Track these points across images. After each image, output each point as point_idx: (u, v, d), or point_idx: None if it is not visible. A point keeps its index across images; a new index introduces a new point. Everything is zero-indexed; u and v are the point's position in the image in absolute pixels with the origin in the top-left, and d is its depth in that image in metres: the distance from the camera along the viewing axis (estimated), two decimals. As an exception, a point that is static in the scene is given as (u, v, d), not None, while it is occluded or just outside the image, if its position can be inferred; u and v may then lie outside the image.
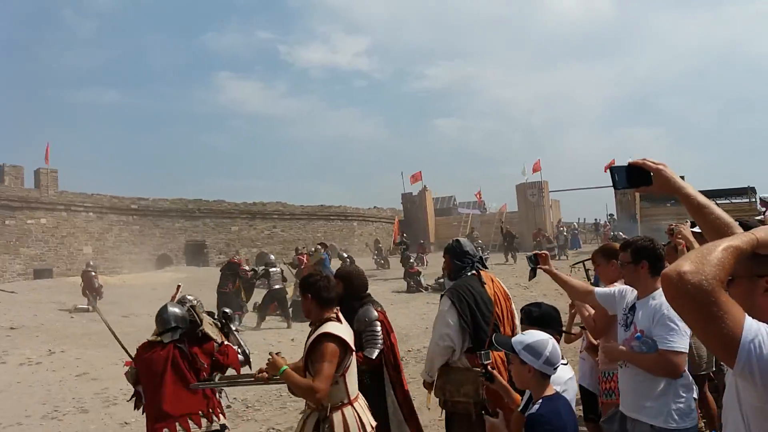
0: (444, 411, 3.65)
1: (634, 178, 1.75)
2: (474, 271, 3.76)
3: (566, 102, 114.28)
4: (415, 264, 19.07)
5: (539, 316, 2.71)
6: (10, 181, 25.03)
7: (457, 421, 3.48)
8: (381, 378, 3.66)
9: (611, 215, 34.06)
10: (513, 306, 3.83)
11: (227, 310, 4.24)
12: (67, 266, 25.30)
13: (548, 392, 2.35)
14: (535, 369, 2.31)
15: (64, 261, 25.59)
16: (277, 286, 13.24)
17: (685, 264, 1.17)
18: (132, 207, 28.43)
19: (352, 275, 3.90)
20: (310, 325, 3.11)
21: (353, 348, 3.02)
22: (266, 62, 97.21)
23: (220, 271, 14.29)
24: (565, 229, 27.99)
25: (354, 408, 2.98)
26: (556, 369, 2.37)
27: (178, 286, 4.46)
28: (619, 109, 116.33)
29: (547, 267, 3.45)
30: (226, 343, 3.92)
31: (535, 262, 3.42)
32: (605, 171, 32.77)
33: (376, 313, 3.69)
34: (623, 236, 22.33)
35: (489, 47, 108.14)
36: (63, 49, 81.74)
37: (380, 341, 3.62)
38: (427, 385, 3.70)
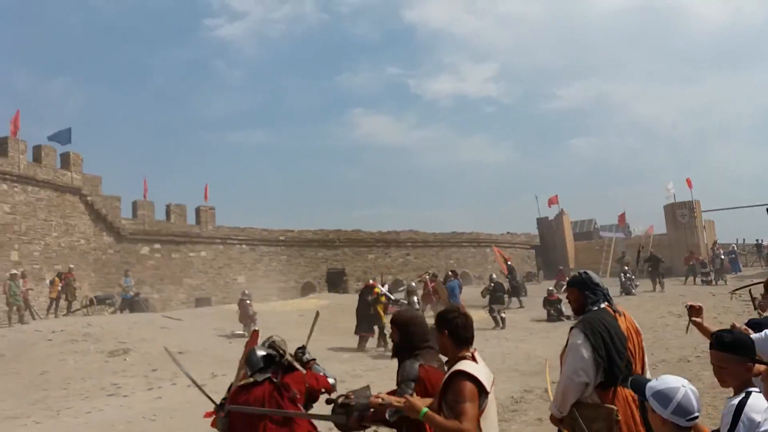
0: None
1: None
2: (606, 303, 3.59)
3: (715, 113, 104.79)
4: (555, 291, 18.44)
5: (731, 342, 2.55)
6: (175, 219, 27.99)
7: None
8: None
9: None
10: (643, 342, 3.68)
11: (303, 345, 4.27)
12: (224, 295, 27.57)
13: None
14: (664, 418, 2.19)
15: (221, 290, 27.94)
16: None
17: None
18: (280, 239, 30.50)
19: (409, 323, 3.46)
20: (446, 363, 3.02)
21: (488, 390, 2.84)
22: (397, 96, 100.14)
23: (359, 294, 14.94)
24: (722, 252, 25.58)
25: None
26: (691, 420, 2.19)
27: (255, 332, 4.61)
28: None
29: (698, 320, 3.30)
30: (311, 371, 4.00)
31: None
32: None
33: (416, 371, 3.20)
34: None
35: (626, 62, 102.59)
36: (215, 97, 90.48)
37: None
38: (555, 421, 3.56)
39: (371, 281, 16.38)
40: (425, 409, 2.74)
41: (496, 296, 17.43)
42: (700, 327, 3.28)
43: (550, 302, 17.64)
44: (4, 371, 11.64)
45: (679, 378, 2.31)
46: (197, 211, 28.82)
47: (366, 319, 14.33)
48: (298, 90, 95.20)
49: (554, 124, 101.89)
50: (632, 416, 3.33)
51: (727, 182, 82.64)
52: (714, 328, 3.26)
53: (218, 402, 4.06)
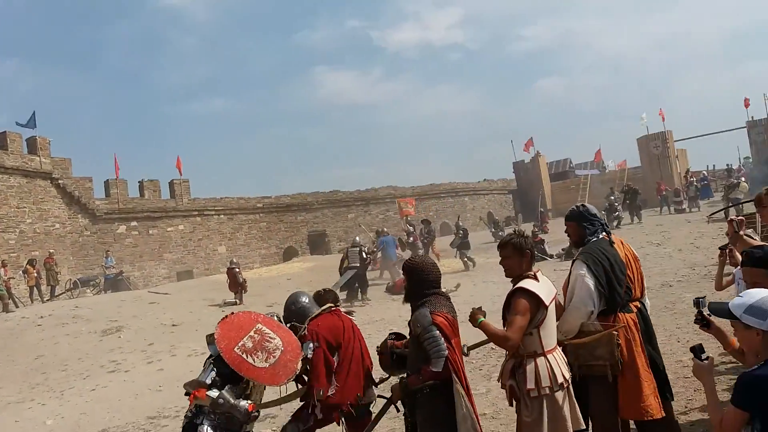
0: (578, 375, 3.51)
1: None
2: (604, 233, 3.69)
3: (681, 42, 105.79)
4: (539, 233, 18.67)
5: (762, 257, 2.54)
6: (150, 195, 27.52)
7: (594, 384, 3.46)
8: (446, 389, 3.26)
9: (747, 158, 31.51)
10: (641, 268, 3.78)
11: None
12: (205, 266, 27.51)
13: None
14: (763, 331, 2.10)
15: (203, 262, 27.83)
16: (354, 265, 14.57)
17: None
18: (258, 206, 30.29)
19: (416, 269, 3.48)
20: (511, 281, 3.31)
21: (547, 304, 3.16)
22: (359, 50, 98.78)
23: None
24: (695, 179, 26.13)
25: (547, 359, 3.14)
26: None
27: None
28: (744, 41, 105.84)
29: (741, 234, 3.50)
30: None
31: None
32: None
33: (429, 318, 3.25)
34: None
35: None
36: (172, 68, 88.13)
37: (443, 348, 3.20)
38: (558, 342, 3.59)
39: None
40: (482, 318, 3.17)
41: (463, 242, 18.05)
42: (742, 240, 3.39)
43: (533, 243, 17.88)
44: (-1, 360, 11.54)
45: (763, 290, 2.22)
46: (171, 185, 28.36)
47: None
48: (255, 52, 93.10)
49: (521, 66, 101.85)
50: (633, 340, 3.45)
51: (696, 110, 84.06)
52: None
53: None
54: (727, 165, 33.20)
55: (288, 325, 3.99)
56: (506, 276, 3.36)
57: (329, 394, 3.75)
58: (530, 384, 3.08)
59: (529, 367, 3.11)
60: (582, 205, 3.88)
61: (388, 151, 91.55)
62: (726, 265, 4.18)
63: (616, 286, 3.47)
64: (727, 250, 3.93)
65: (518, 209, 35.70)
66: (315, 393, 3.75)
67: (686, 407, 4.78)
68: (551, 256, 17.30)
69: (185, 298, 16.76)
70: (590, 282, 3.41)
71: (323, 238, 31.41)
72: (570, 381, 3.20)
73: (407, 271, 3.49)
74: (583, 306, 3.43)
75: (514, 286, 3.22)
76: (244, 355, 3.61)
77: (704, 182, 26.70)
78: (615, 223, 21.17)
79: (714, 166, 35.28)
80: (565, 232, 3.91)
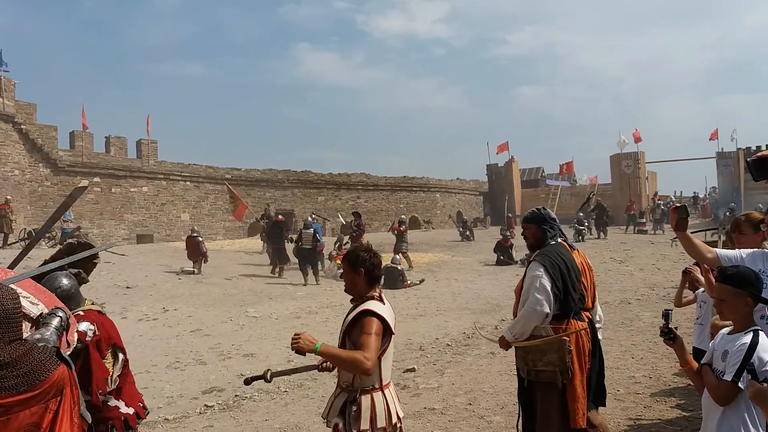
0: (525, 380, 3.53)
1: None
2: (562, 238, 3.69)
3: (660, 68, 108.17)
4: (509, 237, 18.68)
5: (732, 275, 2.50)
6: (116, 152, 26.64)
7: (542, 390, 3.42)
8: None
9: (714, 188, 32.35)
10: (594, 278, 3.77)
11: None
12: (167, 232, 26.89)
13: None
14: None
15: (164, 227, 27.19)
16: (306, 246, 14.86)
17: None
18: (226, 177, 29.66)
19: None
20: (351, 301, 2.95)
21: (393, 331, 2.83)
22: (343, 32, 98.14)
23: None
24: (662, 203, 26.65)
25: (384, 395, 2.80)
26: None
27: None
28: (719, 76, 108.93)
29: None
30: None
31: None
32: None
33: None
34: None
35: (577, 11, 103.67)
36: (148, 25, 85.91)
37: None
38: (505, 345, 3.59)
39: (279, 217, 17.38)
40: (320, 343, 2.66)
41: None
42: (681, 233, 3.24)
43: (502, 248, 17.90)
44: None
45: None
46: (138, 144, 27.51)
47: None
48: (238, 21, 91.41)
49: (503, 70, 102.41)
50: (583, 347, 3.43)
51: (667, 136, 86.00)
52: (690, 235, 3.25)
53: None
54: (694, 193, 34.11)
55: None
56: (345, 291, 3.00)
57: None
58: (364, 424, 2.69)
59: (365, 404, 2.72)
60: (542, 208, 3.85)
61: (364, 137, 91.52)
62: (686, 288, 4.53)
63: (571, 291, 3.43)
64: (690, 275, 4.24)
65: (487, 212, 35.91)
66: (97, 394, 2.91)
67: (635, 423, 4.81)
68: (515, 262, 17.42)
69: (142, 262, 16.37)
70: (546, 283, 3.37)
71: (291, 218, 31.04)
72: (402, 420, 2.89)
73: None
74: (538, 307, 3.37)
75: (355, 306, 2.86)
76: None
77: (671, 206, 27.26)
78: (579, 238, 21.50)
79: (681, 192, 36.18)
80: (522, 234, 3.85)
